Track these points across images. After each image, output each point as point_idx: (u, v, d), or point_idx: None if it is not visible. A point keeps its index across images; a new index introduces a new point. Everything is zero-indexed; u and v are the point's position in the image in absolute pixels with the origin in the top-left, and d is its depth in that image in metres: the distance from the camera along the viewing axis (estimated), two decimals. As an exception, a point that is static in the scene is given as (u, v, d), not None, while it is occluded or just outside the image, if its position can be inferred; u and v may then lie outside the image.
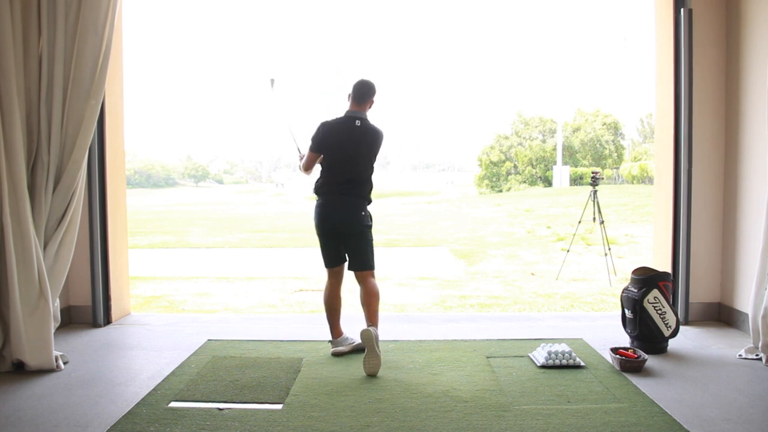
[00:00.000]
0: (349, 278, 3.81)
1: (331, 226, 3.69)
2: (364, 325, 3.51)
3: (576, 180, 31.26)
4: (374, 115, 3.80)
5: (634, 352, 3.55)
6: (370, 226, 3.73)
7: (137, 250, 10.35)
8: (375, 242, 3.75)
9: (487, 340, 4.09)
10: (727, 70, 4.36)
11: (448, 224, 15.38)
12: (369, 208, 3.76)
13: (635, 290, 3.85)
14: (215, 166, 66.53)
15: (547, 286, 7.17)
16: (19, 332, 3.44)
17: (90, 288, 4.41)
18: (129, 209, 4.90)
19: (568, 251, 8.31)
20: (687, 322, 4.40)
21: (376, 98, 3.76)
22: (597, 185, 8.02)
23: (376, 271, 3.75)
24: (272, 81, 3.71)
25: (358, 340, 3.74)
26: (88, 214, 4.29)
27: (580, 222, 8.33)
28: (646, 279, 3.84)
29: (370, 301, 3.61)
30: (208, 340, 4.10)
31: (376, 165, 3.80)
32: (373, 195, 3.80)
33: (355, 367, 3.51)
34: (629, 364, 3.45)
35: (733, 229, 4.33)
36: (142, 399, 3.07)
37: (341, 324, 3.85)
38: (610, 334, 4.15)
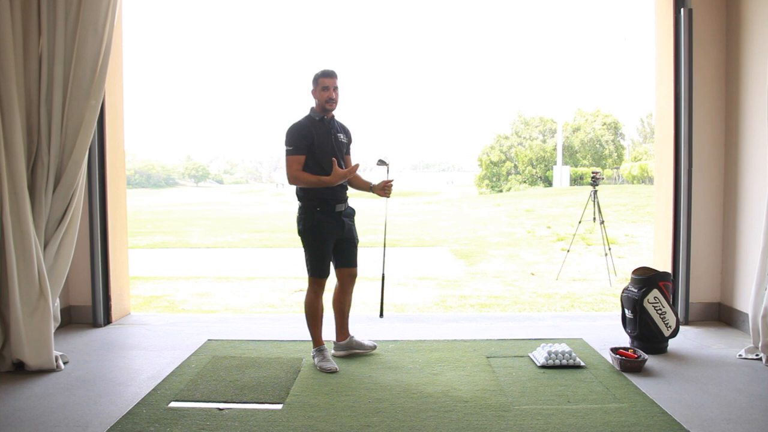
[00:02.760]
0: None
1: None
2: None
3: (576, 180, 31.29)
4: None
5: (634, 352, 3.55)
6: (301, 231, 3.52)
7: (137, 250, 10.36)
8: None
9: (487, 340, 4.09)
10: (727, 70, 4.36)
11: (448, 224, 15.38)
12: (312, 208, 3.49)
13: (635, 290, 3.85)
14: (215, 166, 66.62)
15: (547, 286, 7.17)
16: (19, 332, 3.44)
17: (90, 288, 4.42)
18: (129, 209, 4.90)
19: (568, 251, 8.31)
20: (687, 322, 4.40)
21: (313, 87, 3.50)
22: (597, 185, 8.02)
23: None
24: (384, 163, 3.70)
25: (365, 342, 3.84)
26: (88, 214, 4.29)
27: (580, 222, 8.33)
28: (646, 279, 3.84)
29: None
30: (208, 340, 4.10)
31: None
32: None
33: (355, 367, 3.51)
34: (629, 364, 3.45)
35: (733, 229, 4.33)
36: (142, 399, 3.08)
37: (351, 328, 3.83)
38: (610, 334, 4.15)
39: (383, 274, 3.62)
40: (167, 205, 26.46)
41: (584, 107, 36.91)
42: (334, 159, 3.42)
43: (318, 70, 3.52)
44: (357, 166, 3.50)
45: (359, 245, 3.71)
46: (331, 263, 3.63)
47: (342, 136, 3.61)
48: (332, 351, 3.77)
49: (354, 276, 3.68)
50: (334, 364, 3.51)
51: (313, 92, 3.51)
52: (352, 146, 3.75)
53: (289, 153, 3.42)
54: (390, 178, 3.58)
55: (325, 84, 3.46)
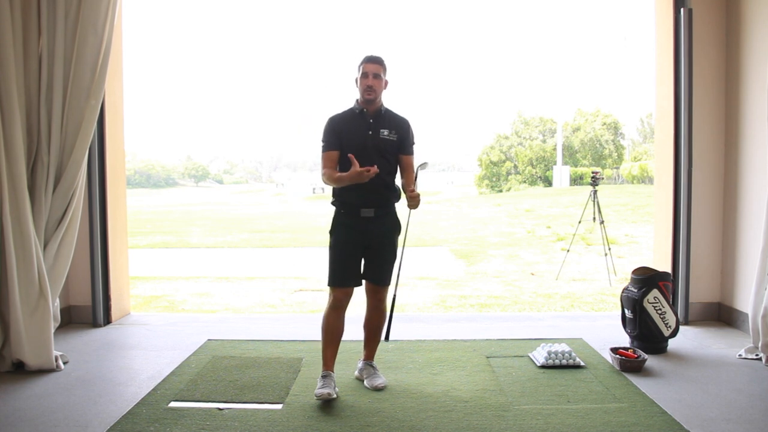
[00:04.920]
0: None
1: None
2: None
3: (576, 180, 31.28)
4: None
5: (634, 352, 3.55)
6: (330, 232, 3.25)
7: (137, 250, 10.36)
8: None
9: (487, 340, 4.09)
10: (727, 70, 4.36)
11: (448, 224, 15.38)
12: (337, 209, 3.23)
13: (635, 290, 3.85)
14: (215, 166, 66.62)
15: (547, 286, 7.17)
16: (19, 332, 3.44)
17: (90, 288, 4.41)
18: (129, 209, 4.90)
19: (568, 251, 8.30)
20: (687, 322, 4.40)
21: (357, 75, 3.16)
22: (597, 185, 8.02)
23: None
24: (425, 164, 3.29)
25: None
26: (88, 214, 4.29)
27: (580, 222, 8.33)
28: (646, 279, 3.84)
29: None
30: (208, 340, 4.10)
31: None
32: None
33: (355, 367, 3.50)
34: (629, 364, 3.45)
35: (733, 229, 4.33)
36: (142, 399, 3.07)
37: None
38: (610, 334, 4.15)
39: (394, 295, 3.21)
40: (167, 205, 26.47)
41: (584, 107, 36.92)
42: (351, 156, 2.99)
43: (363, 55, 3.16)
44: (374, 169, 2.95)
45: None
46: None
47: (387, 132, 3.13)
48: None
49: (378, 295, 3.23)
50: (329, 389, 3.02)
51: (356, 81, 3.14)
52: (415, 146, 3.27)
53: (322, 149, 3.16)
54: (413, 188, 3.11)
55: (364, 70, 3.08)
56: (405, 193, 3.15)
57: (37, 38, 3.59)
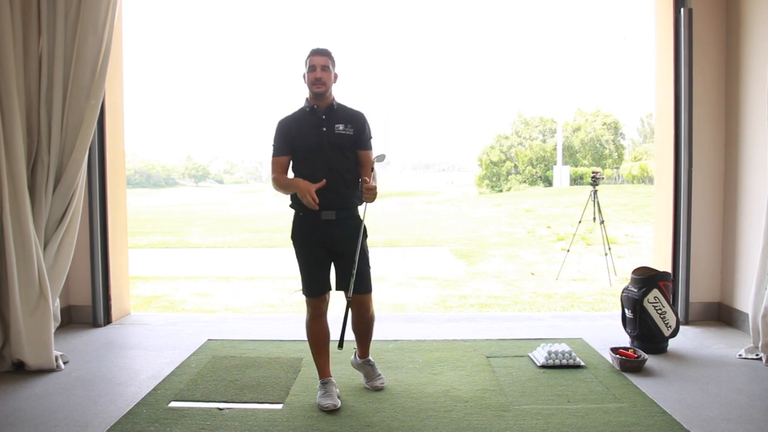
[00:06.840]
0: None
1: None
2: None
3: (576, 180, 31.28)
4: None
5: (634, 352, 3.55)
6: (291, 237, 3.14)
7: (137, 250, 10.36)
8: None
9: (487, 340, 4.09)
10: (727, 70, 4.36)
11: (448, 224, 15.38)
12: (296, 212, 3.11)
13: (635, 290, 3.85)
14: (215, 166, 66.52)
15: (547, 286, 7.17)
16: (19, 332, 3.45)
17: (90, 288, 4.42)
18: (129, 209, 4.90)
19: (568, 251, 8.30)
20: (687, 322, 4.40)
21: (304, 71, 3.01)
22: (597, 185, 8.02)
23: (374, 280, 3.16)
24: (383, 157, 3.07)
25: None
26: (88, 214, 4.29)
27: (580, 222, 8.32)
28: (646, 279, 3.84)
29: None
30: (208, 340, 4.10)
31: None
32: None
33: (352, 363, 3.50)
34: (629, 364, 3.45)
35: (733, 229, 4.33)
36: (142, 399, 3.08)
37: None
38: (610, 334, 4.15)
39: (349, 299, 2.95)
40: (167, 205, 26.45)
41: (584, 107, 36.86)
42: (324, 181, 2.88)
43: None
44: (321, 183, 2.89)
45: None
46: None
47: (342, 127, 2.97)
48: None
49: (359, 303, 3.05)
50: (333, 401, 2.96)
51: (304, 77, 3.00)
52: (373, 140, 3.11)
53: (272, 154, 3.04)
54: (370, 180, 2.95)
55: (311, 63, 2.93)
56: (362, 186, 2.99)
57: (37, 38, 3.59)
